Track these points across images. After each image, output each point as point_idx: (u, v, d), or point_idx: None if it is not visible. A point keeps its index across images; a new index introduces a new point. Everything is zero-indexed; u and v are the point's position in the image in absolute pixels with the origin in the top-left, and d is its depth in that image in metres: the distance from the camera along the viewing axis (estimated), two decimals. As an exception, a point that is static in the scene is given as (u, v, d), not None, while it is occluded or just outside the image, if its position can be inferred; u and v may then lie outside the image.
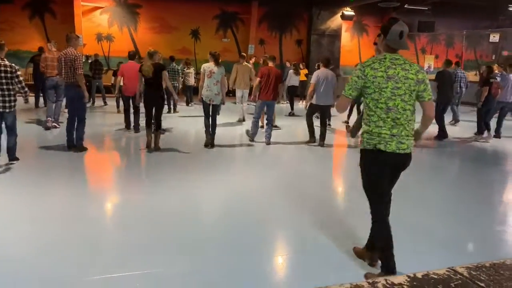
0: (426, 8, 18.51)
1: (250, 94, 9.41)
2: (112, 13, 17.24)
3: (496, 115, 9.38)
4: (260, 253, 3.38)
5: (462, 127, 10.86)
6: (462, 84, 10.94)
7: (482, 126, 9.01)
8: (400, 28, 2.76)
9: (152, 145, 6.85)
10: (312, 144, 7.82)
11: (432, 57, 20.04)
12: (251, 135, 7.94)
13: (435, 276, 1.10)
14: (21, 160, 5.74)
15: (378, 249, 2.96)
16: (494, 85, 8.65)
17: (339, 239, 3.61)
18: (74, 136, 6.58)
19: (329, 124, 9.84)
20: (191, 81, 13.41)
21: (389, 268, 2.83)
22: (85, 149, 6.62)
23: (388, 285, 1.05)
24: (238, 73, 10.00)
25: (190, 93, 13.49)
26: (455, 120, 11.17)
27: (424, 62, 19.69)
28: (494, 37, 17.43)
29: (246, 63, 10.24)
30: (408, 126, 2.78)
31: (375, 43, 2.99)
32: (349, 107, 9.75)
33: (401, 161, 2.83)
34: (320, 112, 7.71)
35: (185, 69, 13.49)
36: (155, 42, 15.43)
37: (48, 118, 8.52)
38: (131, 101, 8.39)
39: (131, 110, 8.51)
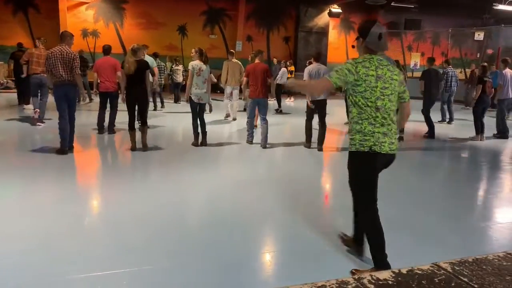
0: (413, 6, 18.70)
1: (240, 91, 9.20)
2: (97, 8, 17.03)
3: (494, 114, 9.41)
4: (248, 250, 3.38)
5: (454, 125, 10.97)
6: (453, 82, 10.94)
7: (478, 125, 8.93)
8: (379, 30, 2.80)
9: (138, 145, 6.68)
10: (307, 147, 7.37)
11: (418, 55, 20.26)
12: (248, 136, 7.52)
13: (419, 272, 1.12)
14: (4, 158, 5.64)
15: (373, 250, 2.91)
16: (488, 84, 8.73)
17: (327, 236, 3.63)
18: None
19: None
20: (179, 78, 13.33)
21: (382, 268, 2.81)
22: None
23: (373, 281, 1.06)
24: (228, 70, 9.91)
25: (178, 90, 13.40)
26: (443, 120, 11.20)
27: (410, 60, 19.89)
28: (479, 35, 17.67)
29: (235, 60, 10.14)
30: (394, 127, 2.83)
31: (353, 46, 3.02)
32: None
33: (390, 161, 2.88)
34: (318, 108, 7.05)
35: (173, 66, 13.41)
36: (141, 38, 15.29)
37: (36, 109, 8.42)
38: (108, 99, 7.89)
39: (108, 109, 7.93)
